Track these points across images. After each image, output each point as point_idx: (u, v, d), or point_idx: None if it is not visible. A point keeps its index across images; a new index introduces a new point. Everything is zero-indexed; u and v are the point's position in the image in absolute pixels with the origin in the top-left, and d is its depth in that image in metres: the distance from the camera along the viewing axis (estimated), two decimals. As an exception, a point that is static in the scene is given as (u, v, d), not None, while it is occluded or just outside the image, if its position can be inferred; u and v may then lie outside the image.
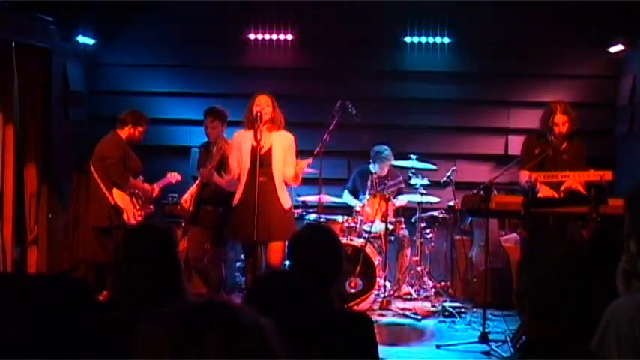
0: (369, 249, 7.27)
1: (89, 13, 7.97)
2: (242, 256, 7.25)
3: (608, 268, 2.75)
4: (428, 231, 7.94)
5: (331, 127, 6.73)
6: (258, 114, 5.88)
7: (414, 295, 7.68)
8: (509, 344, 5.85)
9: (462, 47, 8.60)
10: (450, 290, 7.99)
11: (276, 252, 5.97)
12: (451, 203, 7.88)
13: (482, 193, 6.01)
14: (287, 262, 3.45)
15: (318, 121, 7.32)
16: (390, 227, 7.51)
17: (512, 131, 8.48)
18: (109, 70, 8.75)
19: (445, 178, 7.81)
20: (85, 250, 7.20)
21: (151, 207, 7.09)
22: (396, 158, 7.80)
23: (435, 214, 7.96)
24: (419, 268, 7.74)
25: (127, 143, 6.89)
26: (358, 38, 8.54)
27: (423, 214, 7.83)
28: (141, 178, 7.05)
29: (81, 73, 8.45)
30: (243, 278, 7.51)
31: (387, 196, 7.52)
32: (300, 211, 7.68)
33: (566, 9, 8.14)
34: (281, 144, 6.03)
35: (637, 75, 7.86)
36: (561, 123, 6.15)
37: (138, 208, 6.86)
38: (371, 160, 7.89)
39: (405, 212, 8.02)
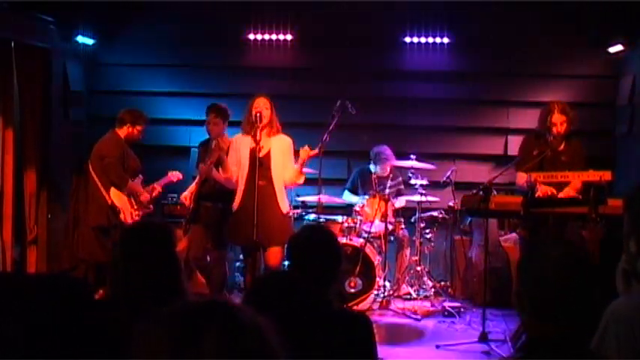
0: (368, 249, 7.27)
1: (89, 13, 7.98)
2: (241, 257, 7.26)
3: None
4: (427, 231, 7.94)
5: (331, 127, 6.74)
6: (258, 114, 5.89)
7: (414, 295, 7.68)
8: (509, 344, 5.86)
9: (462, 47, 8.60)
10: (449, 290, 7.99)
11: (275, 255, 5.97)
12: (451, 203, 7.89)
13: (481, 193, 6.01)
14: (286, 263, 3.45)
15: (318, 121, 7.31)
16: (390, 227, 7.51)
17: (512, 131, 8.48)
18: (108, 70, 8.75)
19: (445, 178, 7.81)
20: (85, 250, 7.20)
21: (151, 207, 7.08)
22: (396, 158, 7.80)
23: (435, 214, 7.97)
24: (418, 268, 7.74)
25: (125, 142, 6.89)
26: (358, 38, 8.54)
27: (422, 214, 7.84)
28: (140, 177, 7.04)
29: (80, 73, 8.45)
30: (243, 278, 7.51)
31: (387, 196, 7.52)
32: (299, 211, 7.69)
33: (566, 9, 8.14)
34: (280, 147, 6.03)
35: (637, 75, 7.86)
36: (559, 122, 6.15)
37: (136, 207, 6.86)
38: (371, 161, 7.89)
39: (405, 212, 8.03)
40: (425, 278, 7.77)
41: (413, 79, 8.67)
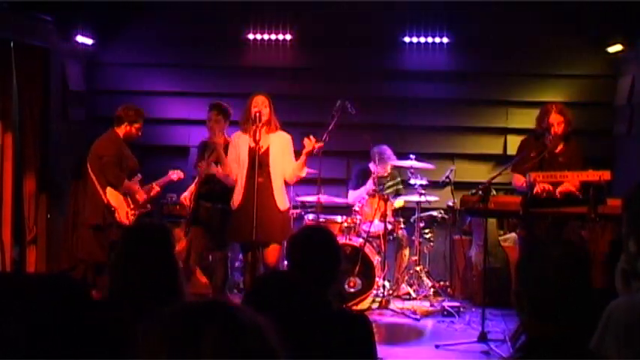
0: (367, 249, 7.27)
1: (88, 12, 7.97)
2: (240, 256, 7.26)
3: None
4: (427, 231, 7.95)
5: (330, 127, 6.73)
6: (257, 114, 5.89)
7: (413, 294, 7.68)
8: (509, 344, 5.86)
9: (461, 47, 8.60)
10: (448, 290, 8.00)
11: (273, 253, 5.98)
12: (450, 203, 7.89)
13: (480, 192, 6.01)
14: (285, 263, 3.45)
15: (318, 120, 7.32)
16: (389, 227, 7.51)
17: (511, 131, 8.48)
18: (108, 69, 8.74)
19: (444, 178, 7.82)
20: (84, 250, 7.19)
21: (148, 206, 7.05)
22: (396, 158, 7.81)
23: (434, 213, 7.97)
24: (418, 268, 7.74)
25: (124, 141, 6.85)
26: (358, 38, 8.54)
27: (421, 214, 7.84)
28: (138, 176, 7.00)
29: (80, 72, 8.45)
30: (242, 278, 7.52)
31: (386, 196, 7.53)
32: (299, 210, 7.69)
33: (565, 9, 8.14)
34: (279, 144, 6.04)
35: (636, 75, 7.86)
36: (556, 123, 6.15)
37: (132, 207, 6.81)
38: (372, 160, 7.89)
39: (404, 212, 8.03)
40: (424, 278, 7.77)
41: (412, 79, 8.67)
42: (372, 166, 7.87)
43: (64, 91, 8.02)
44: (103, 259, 6.60)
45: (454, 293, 8.01)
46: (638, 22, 7.56)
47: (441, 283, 7.99)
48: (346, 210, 7.89)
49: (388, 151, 7.86)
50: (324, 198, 7.46)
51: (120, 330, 2.27)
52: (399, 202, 7.90)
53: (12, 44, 7.11)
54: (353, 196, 7.95)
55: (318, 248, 3.07)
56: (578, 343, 2.07)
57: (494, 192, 6.34)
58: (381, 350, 4.79)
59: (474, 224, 7.95)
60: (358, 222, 7.55)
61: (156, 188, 7.08)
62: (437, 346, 6.13)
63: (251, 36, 8.64)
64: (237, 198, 6.04)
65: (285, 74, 8.61)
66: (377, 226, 7.42)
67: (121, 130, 6.83)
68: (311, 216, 7.59)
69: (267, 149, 5.98)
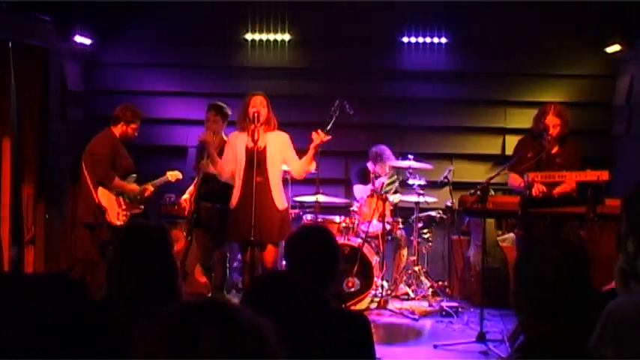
0: (366, 249, 7.27)
1: (87, 12, 7.96)
2: (239, 256, 7.26)
3: None
4: (425, 231, 7.95)
5: (329, 127, 6.74)
6: (256, 114, 5.89)
7: (412, 295, 7.68)
8: (507, 344, 5.86)
9: (460, 47, 8.60)
10: (447, 290, 7.99)
11: (270, 255, 5.98)
12: (448, 203, 7.89)
13: (479, 192, 6.01)
14: (284, 263, 3.45)
15: (317, 120, 7.31)
16: (388, 227, 7.51)
17: (510, 131, 8.48)
18: (106, 69, 8.73)
19: (442, 178, 7.82)
20: (81, 250, 7.19)
21: (141, 206, 6.98)
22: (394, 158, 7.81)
23: (433, 213, 7.97)
24: (416, 268, 7.74)
25: (120, 141, 6.83)
26: (357, 38, 8.54)
27: (420, 214, 7.84)
28: (133, 176, 6.97)
29: (78, 72, 8.44)
30: (240, 278, 7.52)
31: (385, 195, 7.53)
32: (297, 210, 7.68)
33: (564, 9, 8.14)
34: (276, 144, 6.03)
35: (634, 75, 7.87)
36: (552, 125, 6.15)
37: (124, 207, 6.77)
38: (371, 160, 7.89)
39: (403, 212, 8.03)
40: (423, 278, 7.77)
41: (411, 79, 8.67)
42: (370, 165, 7.87)
43: (63, 91, 8.01)
44: (96, 258, 6.60)
45: (452, 293, 8.00)
46: (636, 23, 7.57)
47: (440, 283, 7.99)
48: (345, 210, 7.89)
49: (387, 151, 7.86)
50: (322, 198, 7.46)
51: (118, 330, 2.27)
52: (395, 198, 7.90)
53: (10, 44, 7.10)
54: (358, 191, 7.94)
55: (316, 247, 3.07)
56: (577, 343, 2.07)
57: (492, 192, 6.34)
58: (380, 350, 4.79)
59: (472, 224, 7.95)
60: (357, 222, 7.55)
61: (150, 189, 7.01)
62: (435, 347, 6.13)
63: (250, 36, 8.63)
64: (235, 197, 6.04)
65: (284, 74, 8.61)
66: (375, 226, 7.42)
67: (118, 130, 6.82)
68: (309, 216, 7.59)
69: (264, 149, 5.98)
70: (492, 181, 6.25)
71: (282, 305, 2.38)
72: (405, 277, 7.80)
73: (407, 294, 7.71)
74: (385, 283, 7.57)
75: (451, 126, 8.66)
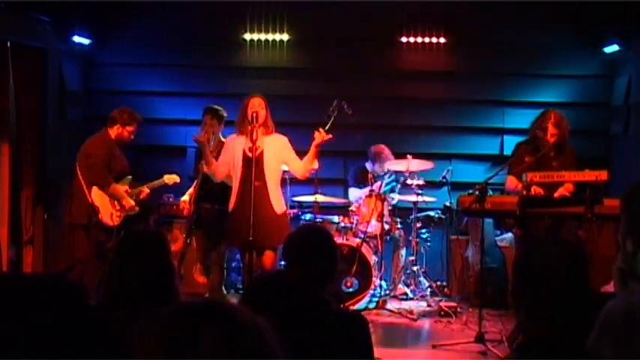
0: (364, 249, 7.27)
1: (85, 12, 7.96)
2: (238, 256, 7.26)
3: None
4: (424, 231, 7.95)
5: (327, 127, 6.73)
6: (254, 114, 5.88)
7: (410, 295, 7.68)
8: (506, 344, 5.86)
9: (458, 47, 8.60)
10: (445, 290, 7.99)
11: (269, 260, 5.97)
12: (447, 203, 7.89)
13: (477, 192, 6.01)
14: (282, 263, 3.45)
15: (316, 120, 7.31)
16: (386, 227, 7.51)
17: (508, 131, 8.50)
18: (105, 69, 8.73)
19: (441, 178, 7.82)
20: (79, 250, 7.18)
21: (136, 208, 6.95)
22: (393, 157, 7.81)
23: (431, 213, 7.98)
24: (415, 268, 7.74)
25: (115, 143, 6.80)
26: (356, 38, 8.54)
27: (418, 214, 7.84)
28: (129, 178, 6.95)
29: (77, 72, 8.44)
30: (240, 278, 7.52)
31: (383, 195, 7.53)
32: (296, 211, 7.68)
33: (562, 9, 8.15)
34: (275, 147, 6.02)
35: (632, 75, 7.88)
36: (550, 134, 6.19)
37: (118, 209, 6.74)
38: (370, 160, 7.89)
39: (401, 212, 8.03)
40: (421, 278, 7.78)
41: (410, 79, 8.67)
42: (368, 165, 7.87)
43: (61, 91, 8.01)
44: (92, 259, 6.59)
45: (451, 293, 8.00)
46: (634, 23, 7.57)
47: (438, 283, 7.99)
48: (343, 210, 7.89)
49: (386, 150, 7.87)
50: (321, 198, 7.46)
51: (118, 330, 2.27)
52: (394, 195, 7.91)
53: (9, 44, 7.09)
54: (353, 194, 7.95)
55: (314, 247, 3.07)
56: (575, 343, 2.07)
57: (490, 192, 6.34)
58: (378, 350, 4.79)
59: (470, 224, 7.95)
60: (355, 222, 7.54)
61: (145, 191, 6.98)
62: (434, 347, 6.12)
63: (249, 36, 8.63)
64: (232, 201, 6.03)
65: (283, 74, 8.61)
66: (374, 226, 7.42)
67: (113, 132, 6.79)
68: (308, 216, 7.59)
69: (262, 153, 5.95)
70: (491, 181, 6.25)
71: (281, 305, 2.38)
72: (403, 277, 7.80)
73: (405, 294, 7.71)
74: (384, 283, 7.57)
75: (450, 126, 8.67)
